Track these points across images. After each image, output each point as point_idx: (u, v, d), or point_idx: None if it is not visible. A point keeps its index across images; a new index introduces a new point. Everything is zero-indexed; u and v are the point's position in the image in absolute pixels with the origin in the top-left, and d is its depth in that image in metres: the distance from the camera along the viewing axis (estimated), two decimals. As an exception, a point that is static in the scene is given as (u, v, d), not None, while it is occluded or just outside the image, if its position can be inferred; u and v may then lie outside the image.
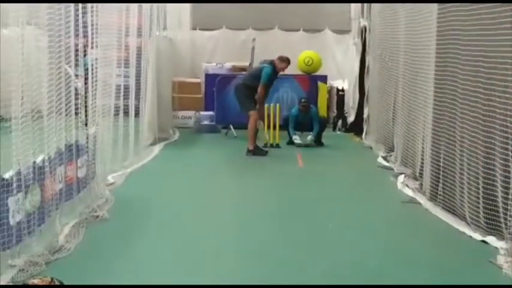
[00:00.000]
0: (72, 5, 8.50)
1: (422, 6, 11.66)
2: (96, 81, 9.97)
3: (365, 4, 18.04)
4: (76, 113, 8.89)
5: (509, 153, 7.75)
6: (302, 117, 16.51)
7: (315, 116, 16.59)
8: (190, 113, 19.32)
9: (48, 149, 7.57)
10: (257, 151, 14.90)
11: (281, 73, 15.56)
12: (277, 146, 16.10)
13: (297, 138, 16.34)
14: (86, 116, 9.53)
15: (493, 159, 8.25)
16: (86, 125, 9.52)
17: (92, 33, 9.80)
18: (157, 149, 15.08)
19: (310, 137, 16.34)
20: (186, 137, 17.60)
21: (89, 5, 9.56)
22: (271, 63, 15.23)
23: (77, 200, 8.88)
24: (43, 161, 7.35)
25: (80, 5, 9.15)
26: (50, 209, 7.57)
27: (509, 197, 7.74)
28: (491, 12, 8.24)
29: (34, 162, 7.05)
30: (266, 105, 15.96)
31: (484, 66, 8.55)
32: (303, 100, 16.75)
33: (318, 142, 16.55)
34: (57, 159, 7.92)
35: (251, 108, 15.02)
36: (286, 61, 15.27)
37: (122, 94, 12.39)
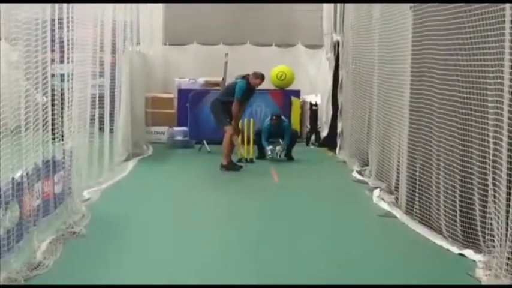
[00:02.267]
0: (48, 19, 8.45)
1: (397, 17, 11.70)
2: (71, 97, 9.93)
3: (337, 19, 18.11)
4: (52, 129, 8.84)
5: (487, 166, 7.78)
6: (274, 130, 16.52)
7: (286, 129, 16.60)
8: (164, 128, 19.30)
9: (26, 164, 7.51)
10: (231, 166, 14.88)
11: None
12: (251, 160, 16.07)
13: (272, 150, 16.28)
14: (62, 131, 9.48)
15: (470, 173, 8.29)
16: (62, 140, 9.46)
17: (68, 48, 9.76)
18: (131, 164, 15.00)
19: (278, 147, 16.33)
20: (159, 153, 17.52)
21: (64, 19, 9.51)
22: (245, 78, 15.22)
23: (54, 216, 8.81)
24: (21, 177, 7.29)
25: (56, 19, 9.11)
26: (28, 225, 7.53)
27: (487, 210, 7.78)
28: (470, 26, 8.26)
29: (13, 179, 7.00)
30: (240, 121, 15.92)
31: (461, 80, 8.57)
32: (274, 117, 16.71)
33: (288, 157, 16.57)
34: (35, 175, 7.86)
35: (226, 123, 14.99)
36: (260, 77, 15.23)
37: (96, 109, 12.33)
